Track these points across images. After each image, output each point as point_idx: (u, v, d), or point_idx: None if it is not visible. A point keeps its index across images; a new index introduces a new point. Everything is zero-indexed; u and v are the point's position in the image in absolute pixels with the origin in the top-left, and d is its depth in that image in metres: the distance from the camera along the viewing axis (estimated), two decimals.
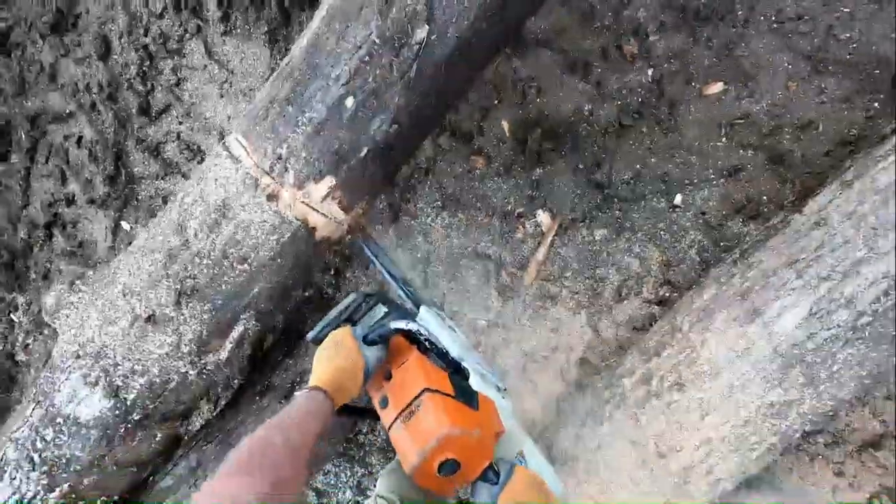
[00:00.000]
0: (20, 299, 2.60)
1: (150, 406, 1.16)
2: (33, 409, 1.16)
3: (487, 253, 1.73)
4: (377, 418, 1.03)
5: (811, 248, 1.08)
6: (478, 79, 1.65)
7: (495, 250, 1.72)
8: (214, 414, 1.62)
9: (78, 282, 1.13)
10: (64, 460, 1.17)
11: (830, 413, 1.13)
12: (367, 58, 1.00)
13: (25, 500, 1.17)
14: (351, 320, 1.08)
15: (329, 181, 1.08)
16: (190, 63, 2.26)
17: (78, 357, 1.11)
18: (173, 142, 2.28)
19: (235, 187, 1.07)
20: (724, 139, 1.54)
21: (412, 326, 0.98)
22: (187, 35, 2.28)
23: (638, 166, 1.61)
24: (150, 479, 1.42)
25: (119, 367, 1.11)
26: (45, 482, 1.17)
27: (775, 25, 1.51)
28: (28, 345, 2.58)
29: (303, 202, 1.09)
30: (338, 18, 1.02)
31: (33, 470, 1.17)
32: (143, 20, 2.34)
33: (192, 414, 1.33)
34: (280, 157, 1.05)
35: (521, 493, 0.90)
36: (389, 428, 0.95)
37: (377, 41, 0.99)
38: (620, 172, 1.63)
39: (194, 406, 1.31)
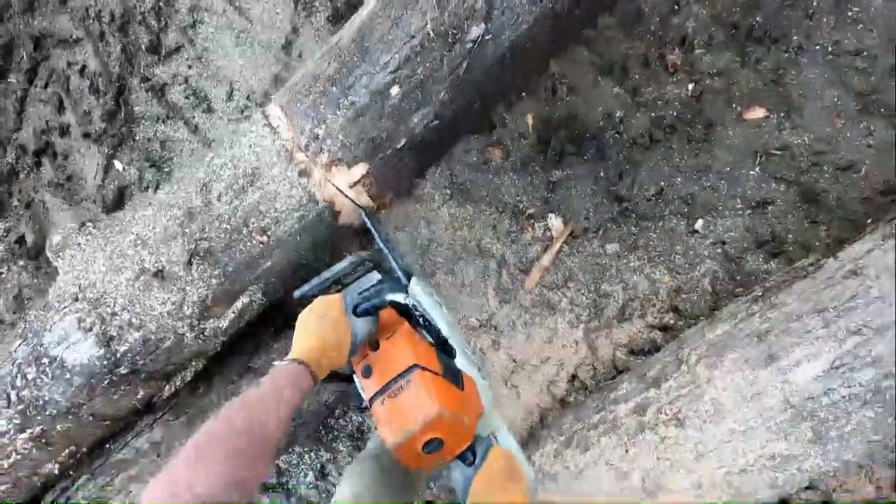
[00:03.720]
0: None
1: (140, 362, 1.11)
2: (19, 346, 1.11)
3: (491, 250, 1.64)
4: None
5: (843, 298, 1.00)
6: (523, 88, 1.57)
7: (499, 248, 1.64)
8: (184, 384, 1.54)
9: (89, 224, 1.05)
10: (41, 402, 1.11)
11: (831, 474, 1.06)
12: (418, 48, 0.97)
13: None
14: (342, 283, 1.03)
15: (362, 168, 1.05)
16: (208, 6, 2.14)
17: (76, 300, 1.06)
18: (180, 85, 2.16)
19: (269, 157, 1.03)
20: (757, 168, 1.46)
21: (407, 301, 0.95)
22: None
23: (662, 184, 1.53)
24: (108, 446, 1.34)
25: (116, 317, 1.06)
26: (17, 421, 1.12)
27: (830, 57, 1.42)
28: (1, 273, 2.47)
29: (332, 184, 1.05)
30: (394, 4, 0.98)
31: (7, 407, 1.11)
32: None
33: (174, 378, 1.25)
34: (317, 137, 1.02)
35: (497, 475, 0.90)
36: (372, 399, 0.94)
37: (431, 33, 0.96)
38: (643, 187, 1.54)
39: (179, 371, 1.23)
